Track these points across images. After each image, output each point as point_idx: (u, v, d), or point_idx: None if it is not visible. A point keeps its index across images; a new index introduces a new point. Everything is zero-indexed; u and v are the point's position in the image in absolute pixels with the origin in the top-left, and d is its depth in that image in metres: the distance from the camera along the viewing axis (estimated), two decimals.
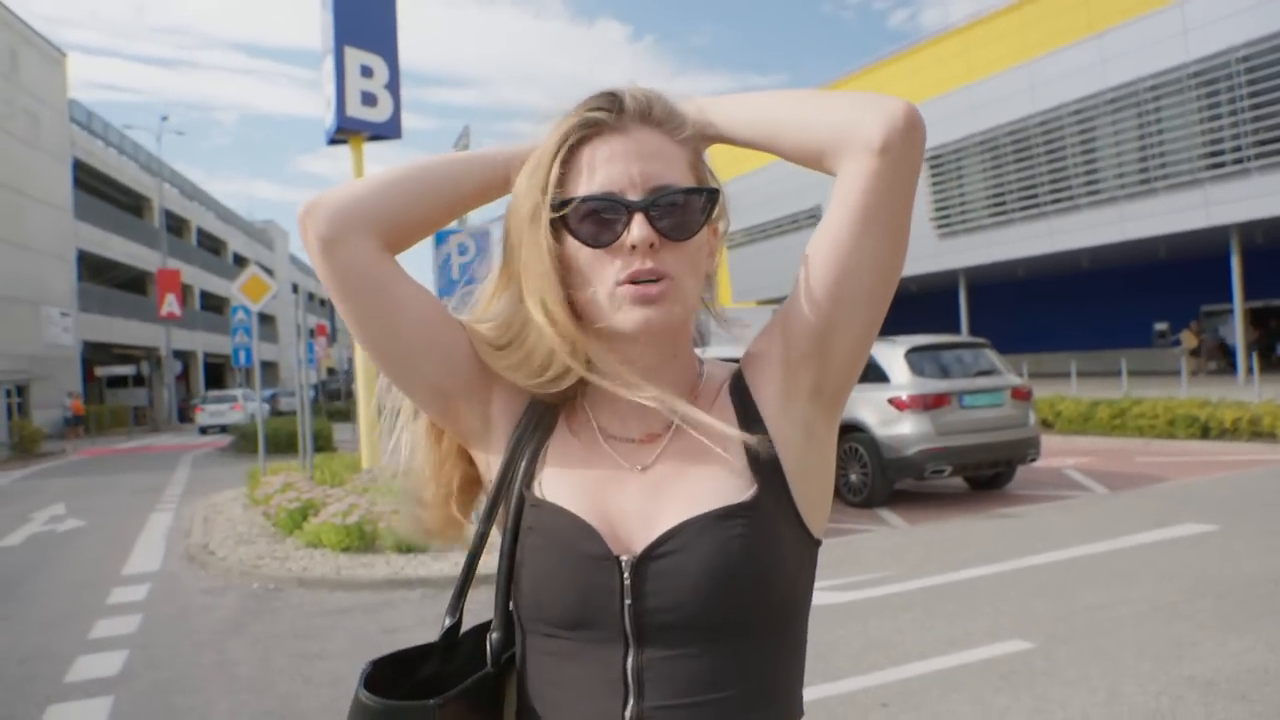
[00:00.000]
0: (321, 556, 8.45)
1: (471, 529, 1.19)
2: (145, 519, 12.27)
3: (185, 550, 9.59)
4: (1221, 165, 22.76)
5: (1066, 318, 31.64)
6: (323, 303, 62.85)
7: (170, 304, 37.40)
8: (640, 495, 1.06)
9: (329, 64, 11.20)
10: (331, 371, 48.11)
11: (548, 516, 1.05)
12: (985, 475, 10.77)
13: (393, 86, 11.45)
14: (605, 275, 1.02)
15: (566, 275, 1.05)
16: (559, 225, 1.04)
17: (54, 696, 5.34)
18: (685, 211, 1.04)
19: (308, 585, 7.74)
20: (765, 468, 1.05)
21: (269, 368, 60.18)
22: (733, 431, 1.06)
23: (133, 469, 20.49)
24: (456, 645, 1.14)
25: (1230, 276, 24.10)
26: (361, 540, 8.51)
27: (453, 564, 7.91)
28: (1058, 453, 13.67)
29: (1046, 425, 15.84)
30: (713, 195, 1.06)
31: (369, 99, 11.24)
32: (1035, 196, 26.68)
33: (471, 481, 1.21)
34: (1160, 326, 30.79)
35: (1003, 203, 27.61)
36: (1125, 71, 24.08)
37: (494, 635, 1.11)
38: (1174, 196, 23.57)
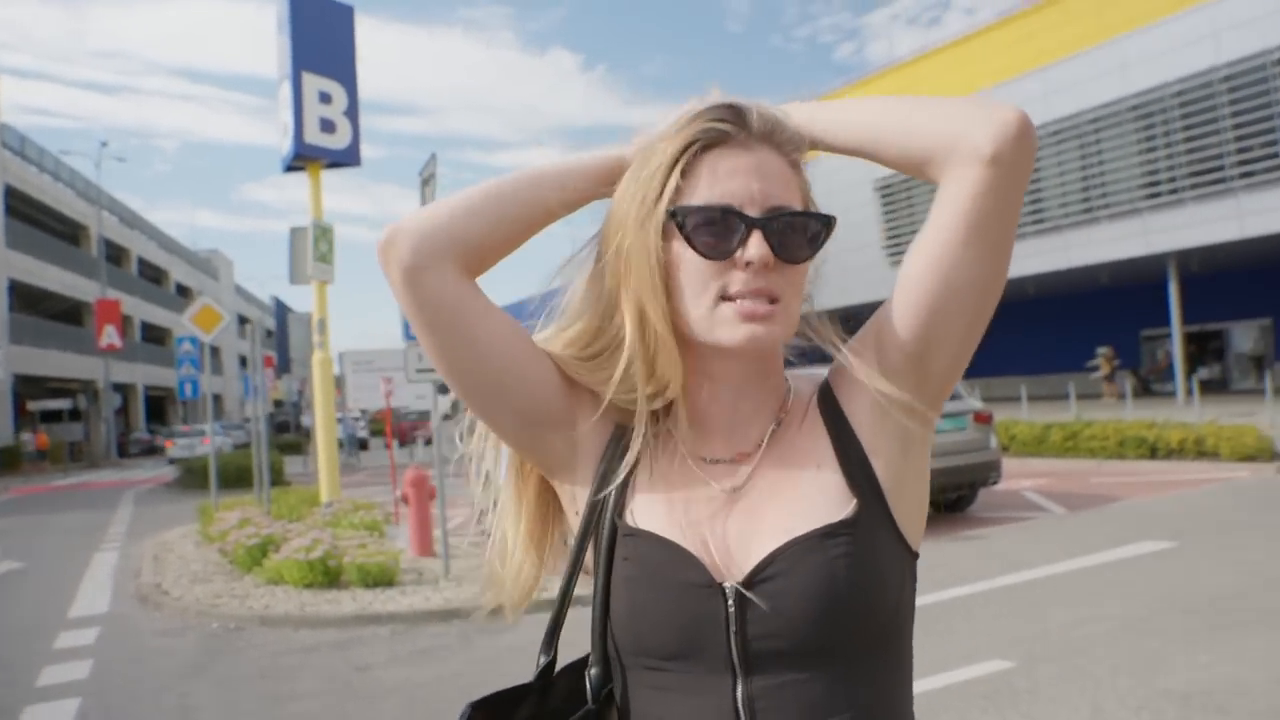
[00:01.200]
0: (284, 594, 8.25)
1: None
2: (89, 559, 11.79)
3: (136, 590, 9.25)
4: (1158, 195, 23.54)
5: (1015, 343, 32.22)
6: (269, 333, 61.77)
7: (109, 335, 36.47)
8: (736, 518, 1.03)
9: (286, 90, 11.11)
10: (279, 403, 47.23)
11: (644, 545, 1.02)
12: (950, 498, 10.90)
13: (351, 113, 11.40)
14: (712, 288, 1.00)
15: (669, 284, 1.02)
16: (670, 232, 1.01)
17: None
18: (801, 234, 1.02)
19: (270, 624, 7.52)
20: (863, 483, 1.03)
21: (214, 400, 58.97)
22: (826, 448, 1.05)
23: (72, 507, 19.80)
24: (552, 684, 1.11)
25: (1168, 302, 24.85)
26: (326, 576, 8.33)
27: (422, 598, 7.77)
28: (1015, 475, 13.89)
29: (1002, 448, 16.09)
30: (829, 222, 1.04)
31: (327, 126, 11.16)
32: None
33: (553, 523, 1.18)
34: (1103, 350, 31.61)
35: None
36: (1068, 104, 24.85)
37: (593, 671, 1.08)
38: (1115, 225, 24.29)
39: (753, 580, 0.98)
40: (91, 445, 43.75)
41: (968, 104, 1.00)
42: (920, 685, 4.91)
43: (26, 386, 42.05)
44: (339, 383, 15.89)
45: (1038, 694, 4.78)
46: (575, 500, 1.12)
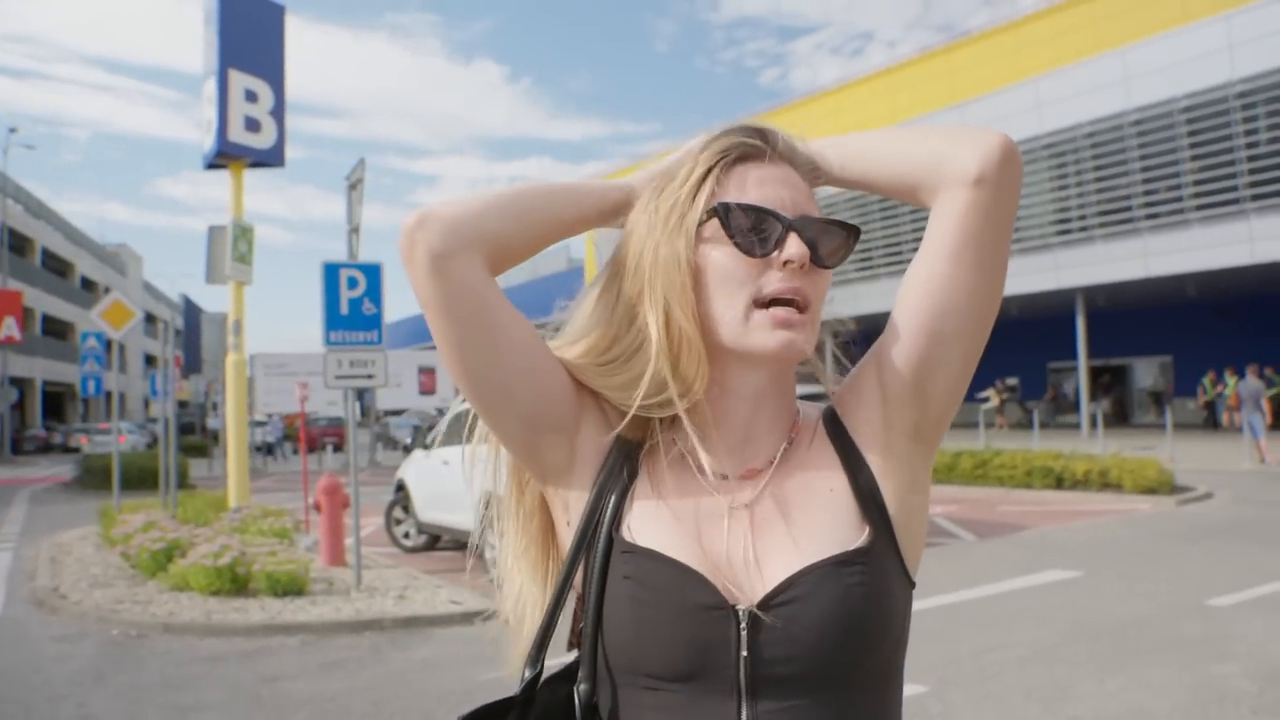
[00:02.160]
0: (189, 600, 7.99)
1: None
2: None
3: (30, 593, 8.89)
4: (1069, 232, 24.44)
5: None
6: (177, 332, 60.09)
7: (9, 327, 34.90)
8: (745, 537, 1.02)
9: (211, 86, 10.85)
10: (183, 404, 45.81)
11: (647, 564, 1.00)
12: None
13: (277, 113, 11.18)
14: (745, 289, 1.01)
15: (697, 289, 1.03)
16: (701, 236, 1.03)
17: None
18: (833, 240, 1.05)
19: (175, 631, 7.28)
20: (874, 509, 1.03)
21: (118, 398, 56.92)
22: (838, 472, 1.05)
23: None
24: (535, 698, 1.07)
25: (1075, 336, 25.77)
26: (234, 583, 8.09)
27: (333, 609, 7.59)
28: None
29: None
30: (855, 232, 1.07)
31: (252, 124, 10.93)
32: (900, 253, 27.93)
33: (553, 544, 1.16)
34: (1011, 381, 32.55)
35: (869, 258, 28.79)
36: None
37: (582, 687, 1.05)
38: (1026, 259, 25.10)
39: (767, 604, 0.97)
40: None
41: (955, 130, 1.05)
42: None
43: None
44: (249, 385, 15.51)
45: (951, 718, 4.88)
46: (568, 509, 1.09)
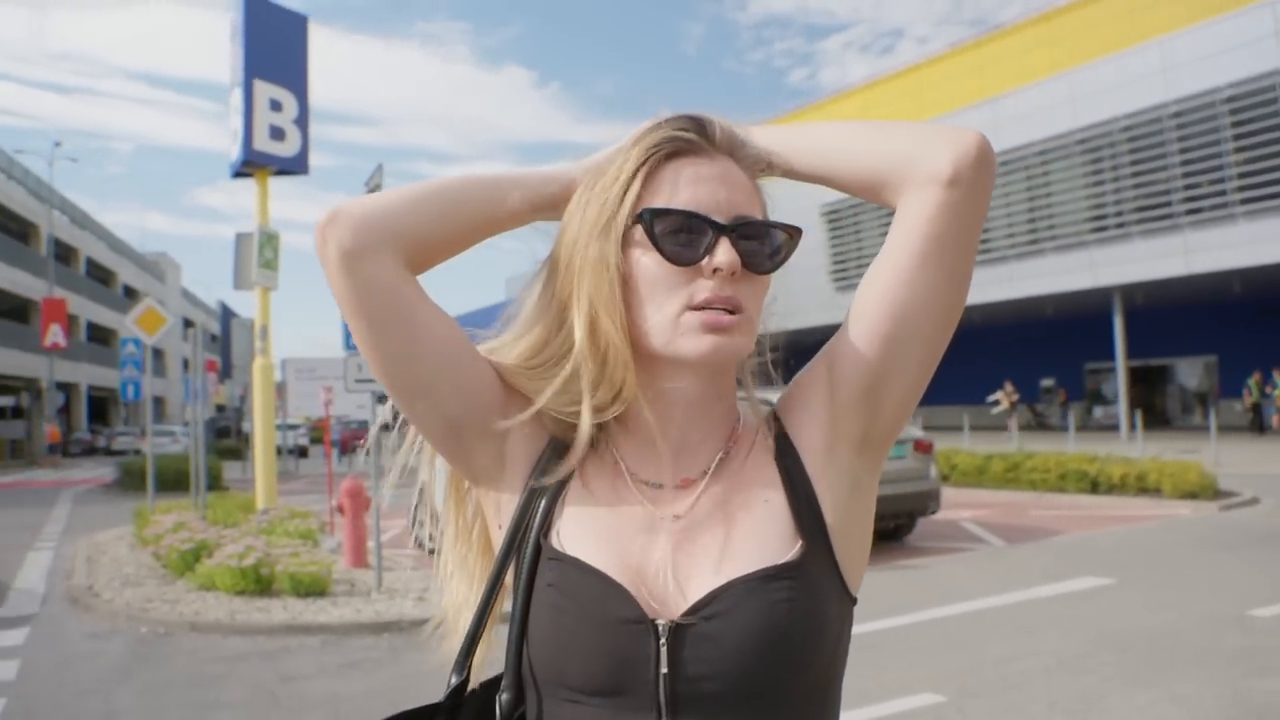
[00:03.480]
0: (215, 600, 8.08)
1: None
2: (22, 558, 11.53)
3: (67, 591, 9.06)
4: (1105, 229, 24.02)
5: (958, 372, 32.64)
6: (214, 338, 60.96)
7: (55, 334, 35.61)
8: (673, 549, 0.98)
9: (237, 96, 11.01)
10: (221, 408, 46.45)
11: (570, 573, 0.97)
12: (888, 527, 10.94)
13: (301, 121, 11.29)
14: (675, 297, 0.97)
15: (626, 295, 0.98)
16: (630, 240, 0.98)
17: None
18: (768, 244, 1.00)
19: (200, 630, 7.37)
20: (808, 522, 0.99)
21: (157, 403, 57.90)
22: (775, 482, 1.01)
23: (7, 505, 19.30)
24: (462, 705, 1.05)
25: (1113, 335, 25.34)
26: (258, 583, 8.17)
27: (353, 610, 7.64)
28: (954, 505, 13.99)
29: (943, 478, 16.22)
30: (795, 234, 1.02)
31: (277, 133, 11.05)
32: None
33: (490, 547, 1.13)
34: (1047, 383, 32.09)
35: None
36: (1016, 136, 25.30)
37: (504, 696, 1.02)
38: (1061, 257, 24.75)
39: (689, 619, 0.94)
40: (33, 443, 42.66)
41: (926, 127, 1.00)
42: (850, 717, 4.91)
43: None
44: (281, 389, 15.67)
45: None
46: (500, 512, 1.07)
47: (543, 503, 1.03)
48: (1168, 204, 23.00)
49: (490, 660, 1.09)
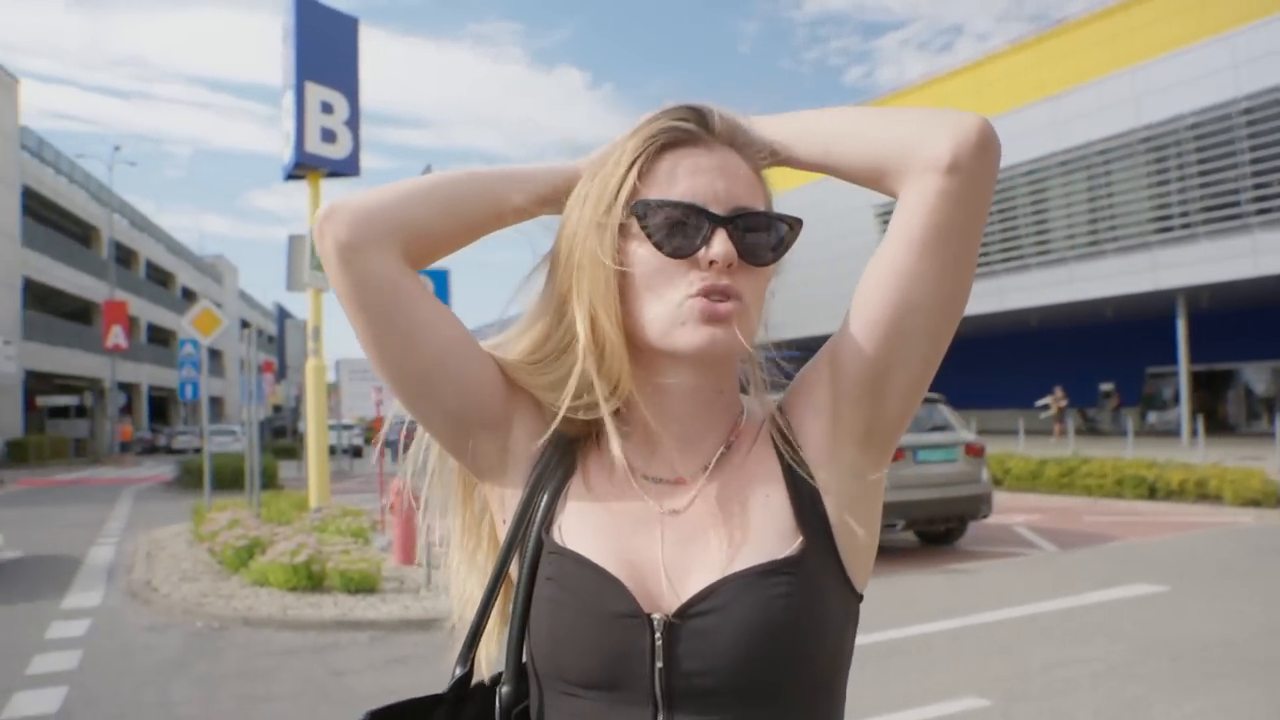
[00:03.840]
0: (268, 595, 8.24)
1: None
2: (86, 552, 11.89)
3: (127, 586, 9.33)
4: (1169, 230, 23.45)
5: (1014, 375, 32.24)
6: (270, 339, 62.24)
7: (116, 335, 36.58)
8: (672, 544, 0.98)
9: (289, 99, 11.16)
10: (277, 408, 47.32)
11: (570, 567, 0.97)
12: (938, 530, 10.82)
13: (352, 123, 11.43)
14: (673, 288, 0.96)
15: (624, 288, 0.98)
16: (627, 232, 0.97)
17: None
18: (767, 235, 0.98)
19: (253, 625, 7.53)
20: (810, 518, 0.98)
21: (215, 402, 59.14)
22: (776, 477, 1.00)
23: (73, 501, 19.87)
24: (466, 698, 1.06)
25: (1176, 339, 24.73)
26: (309, 580, 8.31)
27: (402, 606, 7.74)
28: (1007, 509, 13.80)
29: (996, 482, 15.98)
30: (796, 225, 1.00)
31: (328, 135, 11.20)
32: (986, 255, 27.24)
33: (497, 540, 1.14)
34: (1106, 387, 31.43)
35: (986, 255, 27.89)
36: (1077, 134, 24.81)
37: (504, 689, 1.03)
38: (1122, 259, 24.21)
39: (684, 614, 0.93)
40: (96, 442, 43.88)
41: (926, 112, 0.96)
42: None
43: (36, 383, 42.23)
44: (334, 390, 15.91)
45: None
46: (504, 507, 1.07)
47: (545, 497, 1.03)
48: (1236, 203, 22.35)
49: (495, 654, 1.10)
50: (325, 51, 11.16)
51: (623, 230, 0.97)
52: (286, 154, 11.36)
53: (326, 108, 11.08)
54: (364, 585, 8.22)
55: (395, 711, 1.04)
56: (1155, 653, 6.09)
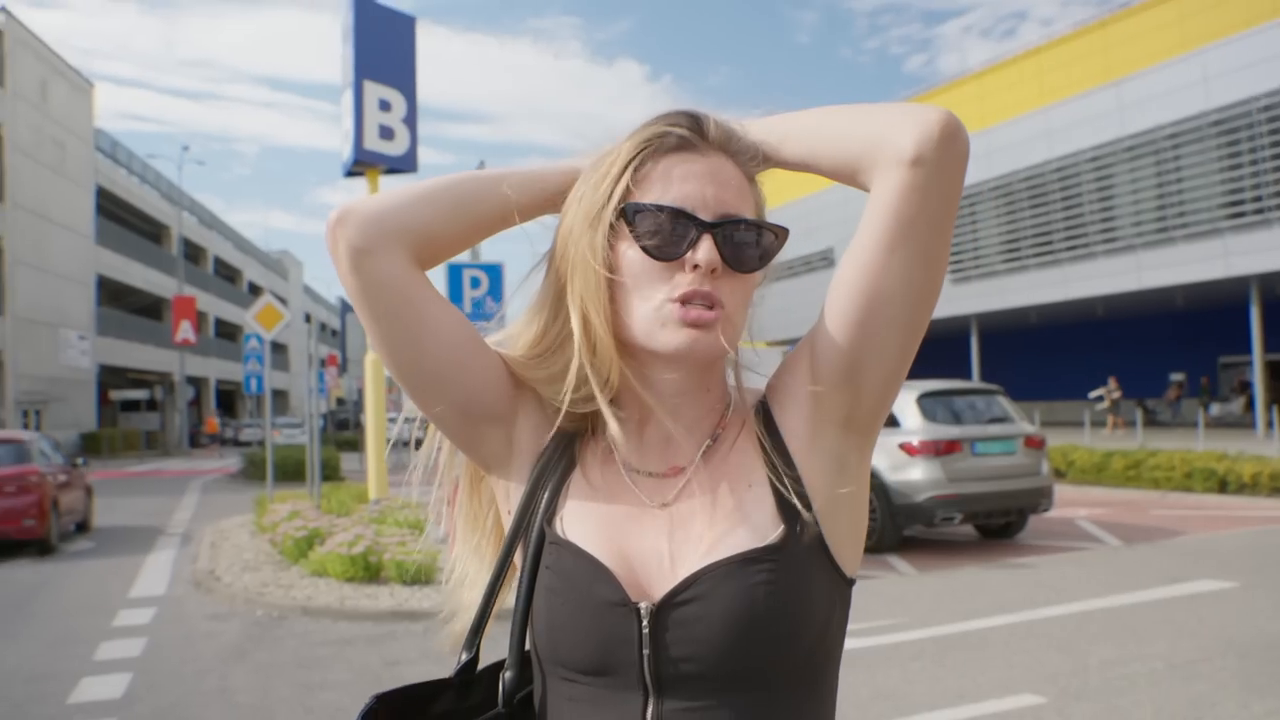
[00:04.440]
0: (326, 586, 8.40)
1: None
2: (153, 542, 12.29)
3: (191, 575, 9.59)
4: (1242, 215, 22.69)
5: (1081, 366, 31.52)
6: (334, 333, 63.40)
7: (185, 330, 37.60)
8: (661, 535, 1.01)
9: (348, 98, 11.35)
10: (340, 401, 48.21)
11: (566, 556, 1.01)
12: (997, 524, 10.64)
13: (410, 120, 11.58)
14: (657, 290, 0.98)
15: (614, 287, 1.01)
16: (618, 234, 1.00)
17: (58, 717, 5.34)
18: (752, 244, 1.00)
19: (311, 614, 7.69)
20: (793, 505, 0.99)
21: (279, 396, 60.39)
22: (760, 467, 1.02)
23: (143, 492, 20.51)
24: (472, 683, 1.09)
25: (1249, 328, 23.96)
26: (366, 571, 8.46)
27: None
28: (1070, 503, 13.52)
29: (1059, 474, 15.67)
30: (781, 234, 1.03)
31: (386, 132, 11.36)
32: (1050, 243, 26.67)
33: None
34: (1177, 377, 30.58)
35: (1017, 249, 27.61)
36: (1144, 119, 24.14)
37: (507, 674, 1.06)
38: (1192, 246, 23.52)
39: (669, 602, 0.96)
40: (166, 435, 45.17)
41: (893, 108, 0.98)
42: (948, 715, 4.85)
43: (109, 377, 43.64)
44: (393, 383, 16.18)
45: None
46: (509, 498, 1.11)
47: (547, 490, 1.06)
48: None
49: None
50: (383, 50, 11.32)
51: (614, 231, 1.00)
52: (346, 151, 11.55)
53: (384, 105, 11.23)
54: (420, 576, 8.34)
55: (402, 695, 1.07)
56: (1221, 650, 5.91)
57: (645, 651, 0.96)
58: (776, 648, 0.95)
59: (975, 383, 15.60)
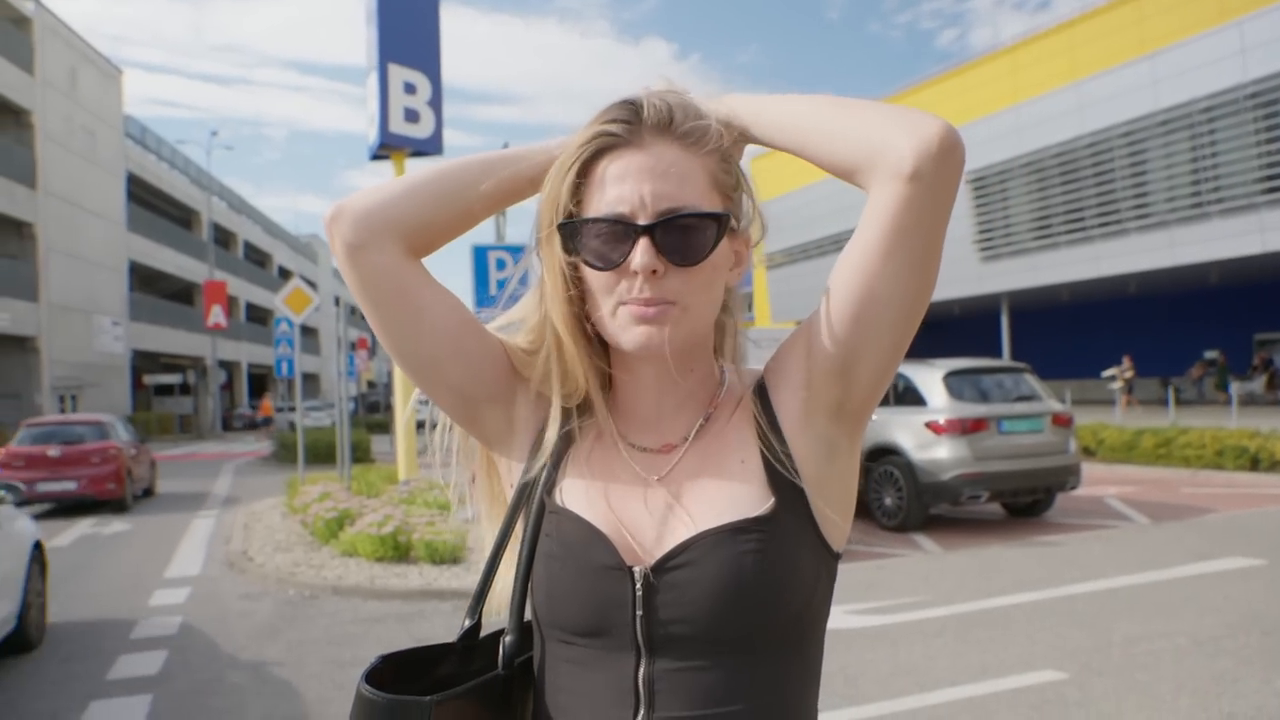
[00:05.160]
0: (356, 565, 8.53)
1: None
2: (188, 524, 12.53)
3: (225, 556, 9.77)
4: (1278, 189, 22.27)
5: (1113, 344, 31.13)
6: (363, 316, 63.98)
7: (216, 315, 38.02)
8: (656, 506, 1.06)
9: (373, 81, 11.38)
10: (371, 384, 48.63)
11: (565, 524, 1.06)
12: (1023, 502, 10.60)
13: (435, 103, 11.60)
14: (610, 295, 1.03)
15: (582, 289, 1.06)
16: (570, 243, 1.04)
17: (96, 693, 5.48)
18: (695, 234, 1.01)
19: (342, 594, 7.81)
20: (784, 480, 1.04)
21: (310, 379, 60.90)
22: (753, 443, 1.07)
23: (177, 475, 20.82)
24: (477, 647, 1.13)
25: None
26: (396, 550, 8.58)
27: None
28: (1100, 481, 13.43)
29: (1089, 453, 15.55)
30: (722, 220, 1.03)
31: (411, 115, 11.39)
32: (1082, 220, 26.31)
33: None
34: (1211, 355, 30.16)
35: (1048, 225, 27.25)
36: (1178, 93, 23.70)
37: (507, 639, 1.10)
38: (1228, 221, 23.11)
39: (661, 567, 1.01)
40: (199, 418, 45.75)
41: (893, 113, 0.99)
42: (968, 691, 4.88)
43: (142, 361, 44.21)
44: None
45: (1089, 708, 4.64)
46: (511, 473, 1.16)
47: (547, 465, 1.11)
48: None
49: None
50: (407, 33, 11.34)
51: (566, 242, 1.04)
52: (372, 135, 11.61)
53: (409, 88, 11.27)
54: (448, 556, 8.44)
55: (408, 656, 1.12)
56: (1246, 627, 5.89)
57: (638, 613, 1.01)
58: (763, 613, 1.00)
59: (1002, 361, 15.49)
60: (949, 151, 0.95)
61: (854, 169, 1.00)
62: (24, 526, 6.82)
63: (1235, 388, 20.74)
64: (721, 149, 1.06)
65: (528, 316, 1.13)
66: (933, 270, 1.02)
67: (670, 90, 1.07)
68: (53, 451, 13.96)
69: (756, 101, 1.08)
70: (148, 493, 16.37)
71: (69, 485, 13.80)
